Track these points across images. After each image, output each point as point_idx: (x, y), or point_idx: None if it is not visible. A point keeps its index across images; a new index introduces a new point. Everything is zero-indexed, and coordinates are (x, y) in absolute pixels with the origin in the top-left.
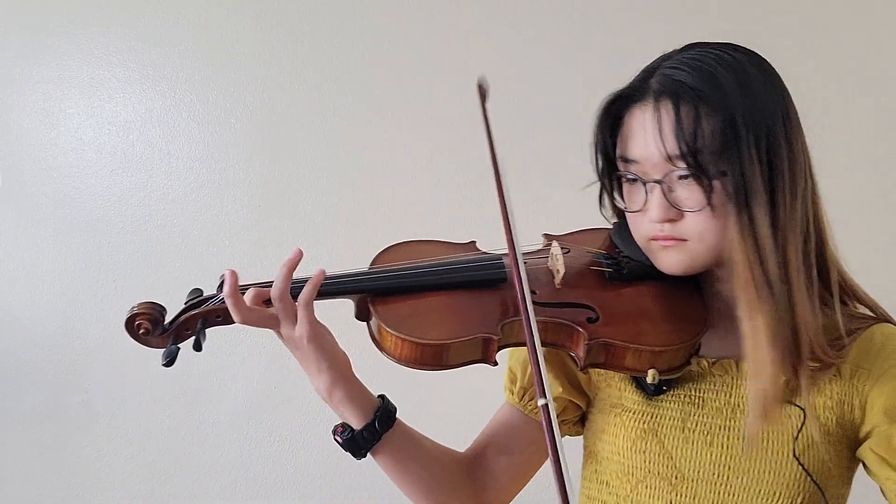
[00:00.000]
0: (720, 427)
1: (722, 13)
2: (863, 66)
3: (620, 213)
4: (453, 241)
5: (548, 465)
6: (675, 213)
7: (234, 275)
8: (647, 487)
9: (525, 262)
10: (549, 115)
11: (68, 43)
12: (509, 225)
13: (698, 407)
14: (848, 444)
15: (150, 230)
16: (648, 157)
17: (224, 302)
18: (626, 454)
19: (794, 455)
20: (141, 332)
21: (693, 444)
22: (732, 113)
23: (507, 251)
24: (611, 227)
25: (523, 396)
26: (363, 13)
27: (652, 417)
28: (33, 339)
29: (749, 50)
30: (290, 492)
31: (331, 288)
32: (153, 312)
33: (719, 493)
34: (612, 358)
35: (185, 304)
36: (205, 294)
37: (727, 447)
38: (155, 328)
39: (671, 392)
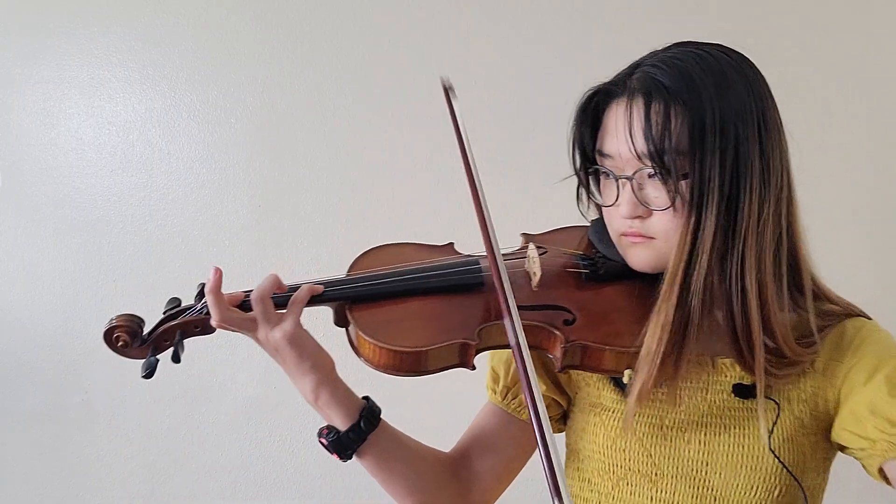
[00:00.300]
0: (696, 423)
1: (722, 13)
2: (863, 67)
3: (600, 209)
4: (431, 244)
5: (532, 465)
6: (643, 210)
7: (217, 272)
8: (627, 485)
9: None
10: (549, 115)
11: (68, 43)
12: (487, 228)
13: (675, 404)
14: (824, 435)
15: (150, 230)
16: (620, 153)
17: (202, 312)
18: (606, 453)
19: (770, 448)
20: (119, 344)
21: (671, 441)
22: (703, 116)
23: (484, 253)
24: (589, 224)
25: (506, 395)
26: (363, 13)
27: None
28: (33, 339)
29: (736, 53)
30: (290, 492)
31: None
32: (131, 325)
33: (698, 487)
34: (589, 359)
35: (164, 314)
36: (182, 303)
37: (704, 443)
38: (133, 340)
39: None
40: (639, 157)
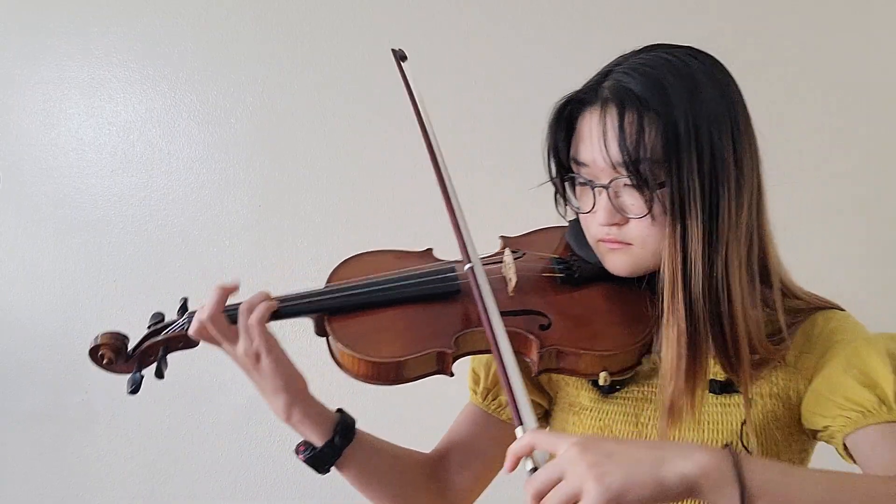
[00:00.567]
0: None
1: (722, 13)
2: (863, 67)
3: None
4: (410, 250)
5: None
6: (619, 217)
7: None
8: None
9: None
10: (549, 115)
11: (68, 43)
12: (463, 236)
13: (650, 402)
14: (798, 426)
15: (150, 230)
16: (595, 161)
17: (184, 328)
18: None
19: (743, 444)
20: (104, 361)
21: (646, 437)
22: (676, 124)
23: (460, 259)
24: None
25: (486, 396)
26: (363, 13)
27: (607, 415)
28: (33, 339)
29: (706, 56)
30: (290, 492)
31: (286, 309)
32: (115, 342)
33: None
34: (565, 363)
35: (147, 329)
36: (166, 318)
37: (679, 439)
38: (117, 357)
39: (625, 389)
40: (614, 167)
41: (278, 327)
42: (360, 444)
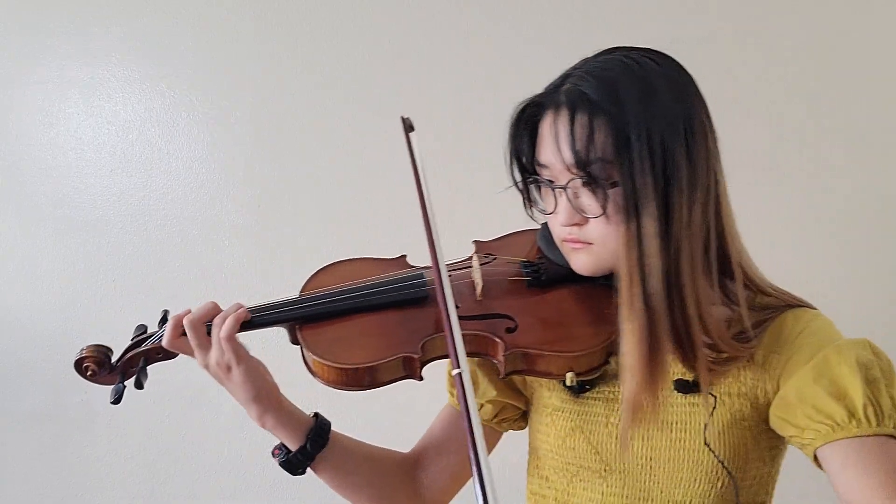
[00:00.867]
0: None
1: (722, 13)
2: (863, 67)
3: None
4: (384, 257)
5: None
6: (579, 217)
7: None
8: (580, 481)
9: (449, 276)
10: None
11: (68, 43)
12: (433, 242)
13: (620, 402)
14: (766, 426)
15: (149, 230)
16: (553, 163)
17: (160, 339)
18: (558, 451)
19: (705, 443)
20: (89, 373)
21: (616, 438)
22: (627, 125)
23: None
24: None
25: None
26: (363, 13)
27: (578, 415)
28: (33, 339)
29: (664, 58)
30: (289, 492)
31: (258, 319)
32: (98, 355)
33: (645, 481)
34: (531, 365)
35: (130, 341)
36: (148, 330)
37: (647, 439)
38: (101, 369)
39: (595, 389)
40: (568, 168)
41: (260, 333)
42: (335, 448)
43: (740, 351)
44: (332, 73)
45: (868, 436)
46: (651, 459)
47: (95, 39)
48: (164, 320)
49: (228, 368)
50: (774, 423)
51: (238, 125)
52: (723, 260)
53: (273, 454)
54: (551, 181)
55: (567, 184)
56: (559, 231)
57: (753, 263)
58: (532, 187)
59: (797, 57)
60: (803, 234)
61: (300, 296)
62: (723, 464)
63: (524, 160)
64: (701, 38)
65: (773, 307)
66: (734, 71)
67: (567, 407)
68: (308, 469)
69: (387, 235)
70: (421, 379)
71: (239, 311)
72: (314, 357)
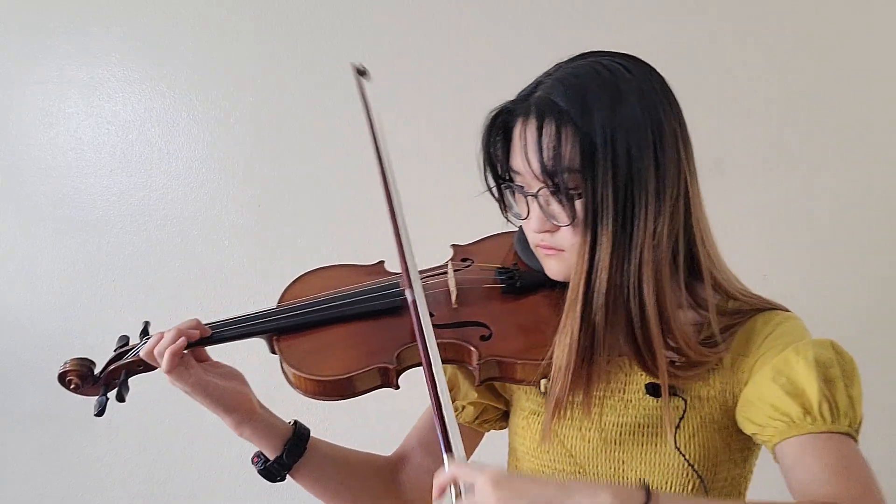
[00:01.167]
0: (613, 424)
1: (722, 13)
2: (863, 67)
3: None
4: (361, 264)
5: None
6: (550, 225)
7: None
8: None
9: (425, 282)
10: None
11: (68, 43)
12: (404, 251)
13: (589, 413)
14: (736, 428)
15: (149, 230)
16: (523, 171)
17: (139, 352)
18: (534, 453)
19: (675, 446)
20: (72, 387)
21: (589, 441)
22: (593, 136)
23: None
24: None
25: None
26: (363, 13)
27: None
28: (33, 339)
29: (636, 65)
30: (290, 492)
31: (236, 332)
32: (81, 368)
33: (618, 483)
34: (505, 372)
35: (113, 352)
36: (130, 342)
37: (620, 443)
38: (84, 382)
39: (552, 378)
40: (536, 177)
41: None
42: (313, 456)
43: (708, 356)
44: (332, 73)
45: (822, 432)
46: (623, 462)
47: (95, 39)
48: (144, 332)
49: (192, 391)
50: (740, 422)
51: (238, 125)
52: (693, 266)
53: (252, 462)
54: (523, 187)
55: (537, 192)
56: (532, 237)
57: (726, 268)
58: (507, 192)
59: (797, 57)
60: (803, 233)
61: (277, 307)
62: (692, 467)
63: (498, 166)
64: (701, 38)
65: (742, 311)
66: (734, 71)
67: (542, 411)
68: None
69: (387, 235)
70: (397, 388)
71: (186, 332)
72: (291, 369)
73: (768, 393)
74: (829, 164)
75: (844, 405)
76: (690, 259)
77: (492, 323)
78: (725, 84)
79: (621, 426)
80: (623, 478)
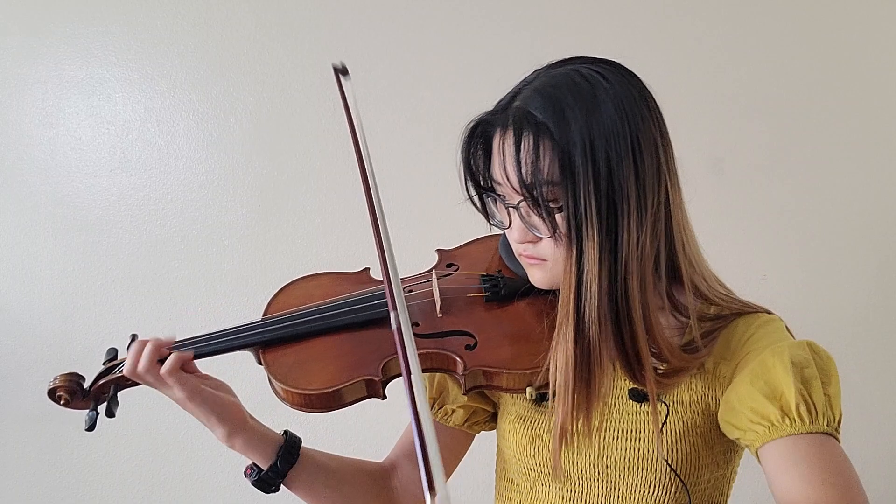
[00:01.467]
0: (597, 428)
1: (721, 13)
2: (863, 66)
3: None
4: (346, 272)
5: (461, 471)
6: (531, 236)
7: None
8: (542, 485)
9: (410, 291)
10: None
11: (68, 43)
12: (386, 262)
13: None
14: (719, 433)
15: (149, 230)
16: (503, 183)
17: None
18: (520, 457)
19: (658, 451)
20: (62, 402)
21: (574, 445)
22: (572, 148)
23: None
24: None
25: (433, 406)
26: (363, 13)
27: (539, 424)
28: (33, 339)
29: (615, 71)
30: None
31: (221, 346)
32: (69, 384)
33: (603, 487)
34: (491, 381)
35: (102, 365)
36: (119, 355)
37: (603, 447)
38: (73, 397)
39: (555, 398)
40: (516, 190)
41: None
42: (306, 463)
43: (689, 362)
44: (331, 73)
45: (802, 434)
46: (607, 467)
47: (95, 39)
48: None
49: (184, 402)
50: (723, 427)
51: (238, 125)
52: (674, 272)
53: (245, 474)
54: (504, 197)
55: (518, 203)
56: (515, 246)
57: (708, 272)
58: (489, 201)
59: (797, 57)
60: (803, 233)
61: (262, 319)
62: (675, 472)
63: (479, 176)
64: (701, 38)
65: (723, 316)
66: (733, 71)
67: (528, 416)
68: (282, 486)
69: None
70: (384, 398)
71: (180, 352)
72: (277, 383)
73: (748, 397)
74: (829, 164)
75: (822, 405)
76: (671, 265)
77: (477, 332)
78: (724, 84)
79: (606, 431)
80: (608, 480)
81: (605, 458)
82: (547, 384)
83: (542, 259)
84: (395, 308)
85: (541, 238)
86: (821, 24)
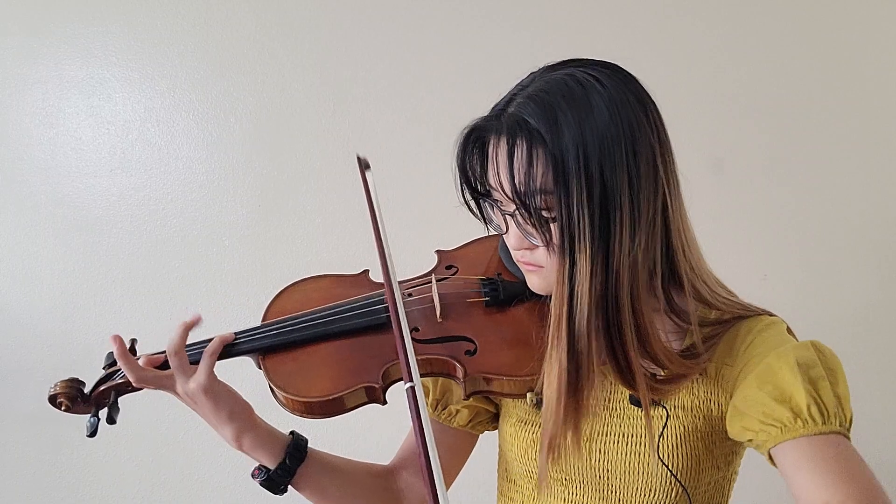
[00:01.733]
0: (598, 433)
1: (721, 13)
2: (863, 66)
3: None
4: (345, 274)
5: (463, 471)
6: (528, 243)
7: (117, 339)
8: (545, 488)
9: (410, 296)
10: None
11: (68, 43)
12: (388, 271)
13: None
14: (721, 435)
15: (149, 230)
16: (499, 189)
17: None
18: (522, 460)
19: (658, 457)
20: (63, 408)
21: (562, 458)
22: (566, 156)
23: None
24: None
25: (437, 407)
26: (363, 13)
27: (540, 427)
28: (33, 339)
29: (612, 75)
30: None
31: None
32: (70, 390)
33: (604, 491)
34: (492, 386)
35: (103, 371)
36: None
37: (604, 451)
38: (74, 403)
39: (544, 411)
40: (510, 198)
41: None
42: (313, 463)
43: (689, 369)
44: (331, 73)
45: (815, 435)
46: (608, 471)
47: (95, 39)
48: (131, 350)
49: (195, 399)
50: (734, 432)
51: (238, 125)
52: (674, 277)
53: (253, 475)
54: (500, 202)
55: (514, 211)
56: (513, 251)
57: (708, 275)
58: (486, 205)
59: (797, 57)
60: (803, 233)
61: (261, 325)
62: (675, 476)
63: (476, 181)
64: (701, 38)
65: (724, 321)
66: (733, 71)
67: (529, 419)
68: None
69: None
70: (385, 403)
71: (222, 336)
72: (277, 390)
73: (757, 401)
74: (829, 164)
75: (832, 405)
76: (671, 270)
77: (477, 337)
78: (724, 84)
79: (606, 435)
80: (609, 484)
81: (605, 462)
82: None
83: (539, 266)
84: (395, 315)
85: (537, 245)
86: (821, 24)
